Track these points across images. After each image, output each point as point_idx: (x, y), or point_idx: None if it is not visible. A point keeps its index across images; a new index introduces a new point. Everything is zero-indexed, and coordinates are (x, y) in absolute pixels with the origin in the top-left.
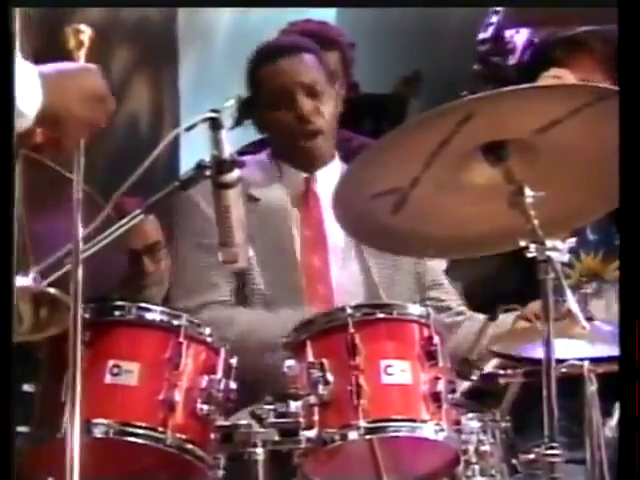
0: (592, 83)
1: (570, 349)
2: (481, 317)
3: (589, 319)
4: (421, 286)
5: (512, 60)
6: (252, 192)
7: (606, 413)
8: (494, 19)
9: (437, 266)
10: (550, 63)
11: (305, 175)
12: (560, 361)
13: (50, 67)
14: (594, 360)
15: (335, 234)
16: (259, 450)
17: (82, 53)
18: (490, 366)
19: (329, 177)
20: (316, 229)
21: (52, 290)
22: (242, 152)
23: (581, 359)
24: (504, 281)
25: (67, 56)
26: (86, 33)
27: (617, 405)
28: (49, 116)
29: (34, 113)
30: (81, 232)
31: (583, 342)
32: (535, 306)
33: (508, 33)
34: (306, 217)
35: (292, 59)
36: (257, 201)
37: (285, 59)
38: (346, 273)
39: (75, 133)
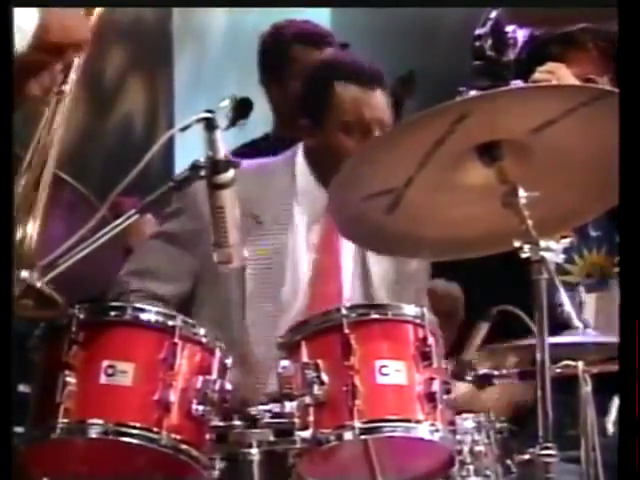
0: (588, 84)
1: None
2: None
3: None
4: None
5: (512, 55)
6: (254, 211)
7: (602, 411)
8: (493, 14)
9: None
10: (546, 58)
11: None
12: (554, 360)
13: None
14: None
15: (348, 255)
16: (254, 450)
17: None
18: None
19: None
20: (334, 254)
21: (46, 289)
22: (237, 153)
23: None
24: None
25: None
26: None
27: (615, 400)
28: (45, 27)
29: (32, 27)
30: None
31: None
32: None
33: (510, 28)
34: (326, 240)
35: (374, 92)
36: (259, 221)
37: (367, 89)
38: (356, 297)
39: (75, 36)
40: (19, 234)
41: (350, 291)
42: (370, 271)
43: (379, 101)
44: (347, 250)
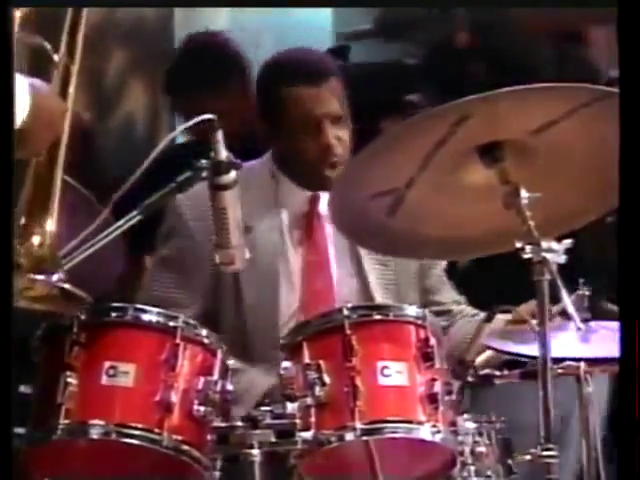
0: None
1: (565, 348)
2: (470, 311)
3: (585, 320)
4: (422, 291)
5: None
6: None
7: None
8: None
9: (437, 271)
10: None
11: (309, 194)
12: (556, 360)
13: (39, 83)
14: (590, 360)
15: (339, 254)
16: (255, 451)
17: None
18: (481, 359)
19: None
20: (321, 252)
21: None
22: None
23: (577, 359)
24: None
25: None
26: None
27: None
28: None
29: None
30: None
31: (578, 342)
32: (527, 308)
33: None
34: (310, 239)
35: (321, 86)
36: (249, 230)
37: (314, 85)
38: (346, 292)
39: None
40: (37, 238)
41: (346, 289)
42: (366, 270)
43: (327, 95)
44: (340, 248)
